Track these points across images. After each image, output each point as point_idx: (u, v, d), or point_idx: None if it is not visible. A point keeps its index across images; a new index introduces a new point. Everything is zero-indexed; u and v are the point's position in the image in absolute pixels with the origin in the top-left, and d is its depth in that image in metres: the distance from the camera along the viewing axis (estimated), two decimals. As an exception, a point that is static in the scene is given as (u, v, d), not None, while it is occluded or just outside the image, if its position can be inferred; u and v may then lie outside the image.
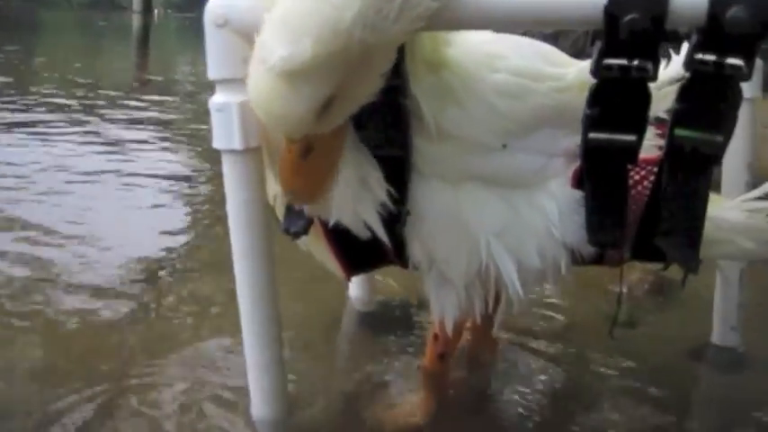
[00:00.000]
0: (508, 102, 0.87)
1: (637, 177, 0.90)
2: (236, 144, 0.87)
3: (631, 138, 0.82)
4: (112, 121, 3.77)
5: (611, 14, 0.74)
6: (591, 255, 0.94)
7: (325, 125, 0.78)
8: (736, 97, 0.80)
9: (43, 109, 3.98)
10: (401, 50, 0.80)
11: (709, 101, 0.80)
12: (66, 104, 4.14)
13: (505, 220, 0.91)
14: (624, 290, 1.55)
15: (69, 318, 1.44)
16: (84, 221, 2.06)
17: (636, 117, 0.81)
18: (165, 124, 3.80)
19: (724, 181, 1.20)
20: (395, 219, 0.89)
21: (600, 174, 0.86)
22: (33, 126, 3.46)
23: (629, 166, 0.86)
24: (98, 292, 1.57)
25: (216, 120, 0.88)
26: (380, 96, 0.80)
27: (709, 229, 0.90)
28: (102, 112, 4.03)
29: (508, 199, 0.91)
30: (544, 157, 0.91)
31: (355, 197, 0.88)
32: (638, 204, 0.90)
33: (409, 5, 0.73)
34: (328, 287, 1.53)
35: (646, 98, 0.80)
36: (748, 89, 1.15)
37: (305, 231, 1.00)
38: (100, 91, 4.88)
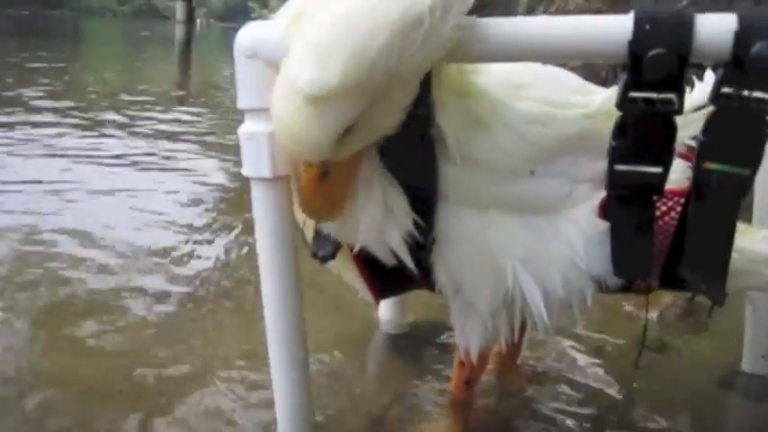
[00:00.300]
0: (535, 129, 0.87)
1: (664, 209, 0.90)
2: (266, 172, 0.89)
3: (657, 170, 0.82)
4: (151, 133, 3.84)
5: (635, 49, 0.74)
6: (617, 284, 0.94)
7: (343, 152, 0.79)
8: (763, 131, 0.80)
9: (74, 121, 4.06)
10: (427, 81, 0.81)
11: (735, 135, 0.80)
12: (107, 120, 4.21)
13: (531, 247, 0.91)
14: (654, 315, 1.56)
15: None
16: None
17: (661, 149, 0.81)
18: (204, 135, 3.85)
19: (756, 207, 1.18)
20: (421, 246, 0.90)
21: (626, 206, 0.85)
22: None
23: (656, 198, 0.86)
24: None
25: (245, 148, 0.89)
26: (406, 127, 0.82)
27: (738, 260, 0.89)
28: (143, 122, 4.12)
29: (534, 226, 0.91)
30: (570, 183, 0.91)
31: (382, 225, 0.89)
32: (665, 235, 0.90)
33: (433, 34, 0.74)
34: (359, 309, 1.54)
35: (671, 131, 0.80)
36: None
37: (332, 256, 1.02)
38: (141, 100, 4.98)
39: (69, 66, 7.60)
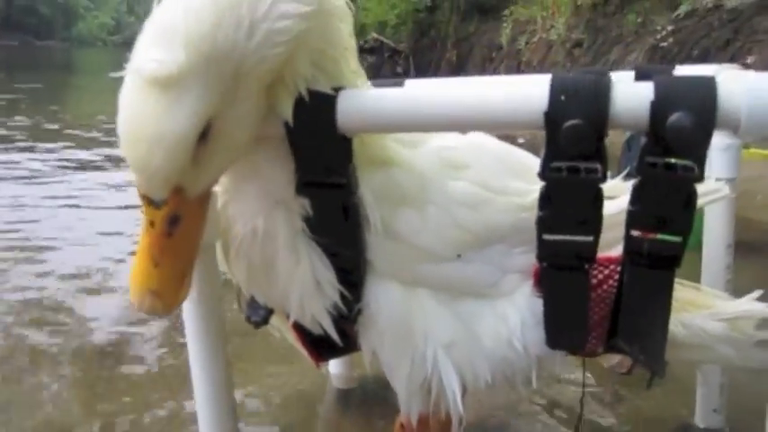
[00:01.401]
0: (466, 212, 0.85)
1: (601, 276, 0.87)
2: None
3: (588, 239, 0.79)
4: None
5: (551, 120, 0.72)
6: (562, 356, 0.92)
7: (199, 178, 0.72)
8: (691, 198, 0.77)
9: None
10: (347, 149, 0.79)
11: (663, 203, 0.77)
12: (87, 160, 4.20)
13: (458, 332, 0.88)
14: (606, 365, 1.53)
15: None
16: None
17: (590, 218, 0.79)
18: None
19: (704, 263, 1.17)
20: (345, 317, 0.88)
21: (558, 276, 0.83)
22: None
23: (589, 266, 0.83)
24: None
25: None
26: (328, 196, 0.80)
27: (685, 335, 0.88)
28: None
29: (464, 309, 0.88)
30: (498, 272, 0.89)
31: (307, 298, 0.86)
32: (605, 303, 0.87)
33: (263, 19, 0.69)
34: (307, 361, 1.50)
35: (598, 198, 0.77)
36: (726, 170, 1.12)
37: (265, 321, 1.00)
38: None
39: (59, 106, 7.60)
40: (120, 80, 0.69)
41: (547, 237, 0.80)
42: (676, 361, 0.88)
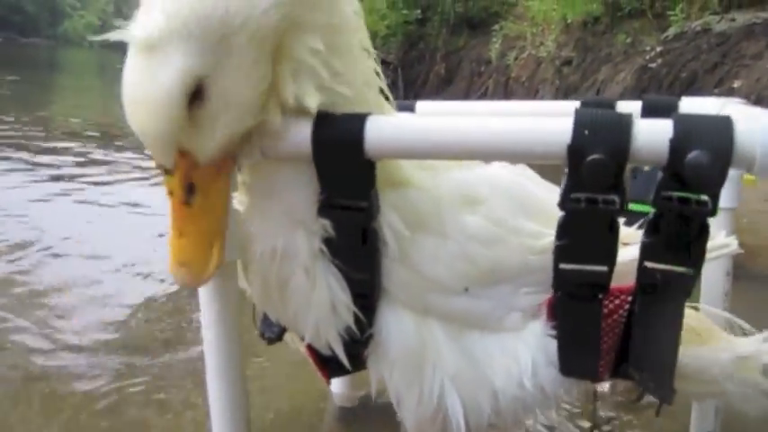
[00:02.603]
0: (477, 248, 0.86)
1: (612, 306, 0.88)
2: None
3: (602, 268, 0.82)
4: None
5: (574, 154, 0.75)
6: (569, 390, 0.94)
7: (196, 133, 0.74)
8: (704, 232, 0.80)
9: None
10: (371, 173, 0.81)
11: (676, 235, 0.80)
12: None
13: (463, 365, 0.89)
14: (606, 387, 1.56)
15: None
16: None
17: (605, 248, 0.81)
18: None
19: (703, 291, 1.19)
20: (357, 341, 0.89)
21: (572, 305, 0.85)
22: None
23: (602, 296, 0.85)
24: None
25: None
26: (348, 219, 0.82)
27: (694, 368, 0.90)
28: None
29: (473, 343, 0.90)
30: (504, 309, 0.90)
31: (322, 322, 0.88)
32: (614, 332, 0.89)
33: None
34: (312, 378, 1.51)
35: (614, 229, 0.80)
36: (726, 199, 1.15)
37: (279, 338, 1.01)
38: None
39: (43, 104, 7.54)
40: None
41: (563, 266, 0.82)
42: (686, 392, 0.90)
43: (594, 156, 0.74)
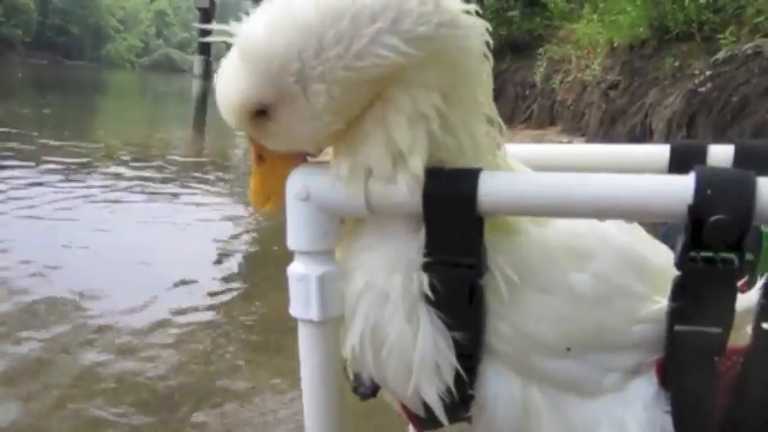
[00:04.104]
0: (584, 308, 0.83)
1: (723, 368, 0.85)
2: (314, 315, 0.87)
3: (718, 330, 0.79)
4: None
5: (695, 214, 0.74)
6: None
7: (262, 136, 0.83)
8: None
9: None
10: (479, 228, 0.80)
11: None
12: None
13: None
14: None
15: None
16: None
17: (722, 310, 0.79)
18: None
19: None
20: (457, 402, 0.85)
21: (686, 368, 0.82)
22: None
23: (719, 359, 0.82)
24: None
25: (294, 288, 0.88)
26: (456, 275, 0.81)
27: None
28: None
29: (577, 411, 0.86)
30: (603, 372, 0.86)
31: (423, 378, 0.84)
32: (724, 394, 0.85)
33: (366, 41, 0.73)
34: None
35: (732, 290, 0.78)
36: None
37: (373, 394, 0.99)
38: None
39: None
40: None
41: (678, 328, 0.80)
42: None
43: (718, 216, 0.73)
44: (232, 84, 0.78)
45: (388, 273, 0.84)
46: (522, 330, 0.83)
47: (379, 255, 0.85)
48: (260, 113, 0.78)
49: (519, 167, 0.91)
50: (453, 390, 0.84)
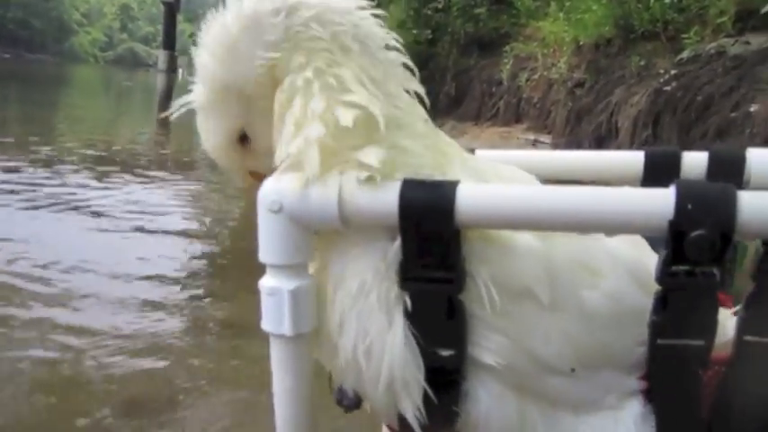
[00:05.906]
0: (594, 328, 0.81)
1: (705, 378, 0.82)
2: (286, 330, 0.84)
3: (700, 342, 0.78)
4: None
5: (676, 228, 0.72)
6: None
7: (251, 158, 0.91)
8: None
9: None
10: (458, 242, 0.78)
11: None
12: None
13: None
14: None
15: None
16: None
17: (704, 323, 0.77)
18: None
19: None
20: (438, 419, 0.82)
21: (669, 381, 0.81)
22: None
23: (702, 371, 0.80)
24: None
25: (266, 303, 0.85)
26: (434, 291, 0.78)
27: None
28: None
29: (568, 426, 0.84)
30: (602, 391, 0.84)
31: (401, 396, 0.82)
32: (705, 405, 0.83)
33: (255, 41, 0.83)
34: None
35: (714, 302, 0.77)
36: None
37: (357, 406, 0.97)
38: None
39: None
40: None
41: (661, 341, 0.78)
42: None
43: (699, 232, 0.71)
44: (211, 134, 0.89)
45: (369, 285, 0.81)
46: (521, 345, 0.80)
47: (363, 264, 0.82)
48: (243, 139, 0.89)
49: (511, 172, 0.91)
50: (426, 408, 0.81)
